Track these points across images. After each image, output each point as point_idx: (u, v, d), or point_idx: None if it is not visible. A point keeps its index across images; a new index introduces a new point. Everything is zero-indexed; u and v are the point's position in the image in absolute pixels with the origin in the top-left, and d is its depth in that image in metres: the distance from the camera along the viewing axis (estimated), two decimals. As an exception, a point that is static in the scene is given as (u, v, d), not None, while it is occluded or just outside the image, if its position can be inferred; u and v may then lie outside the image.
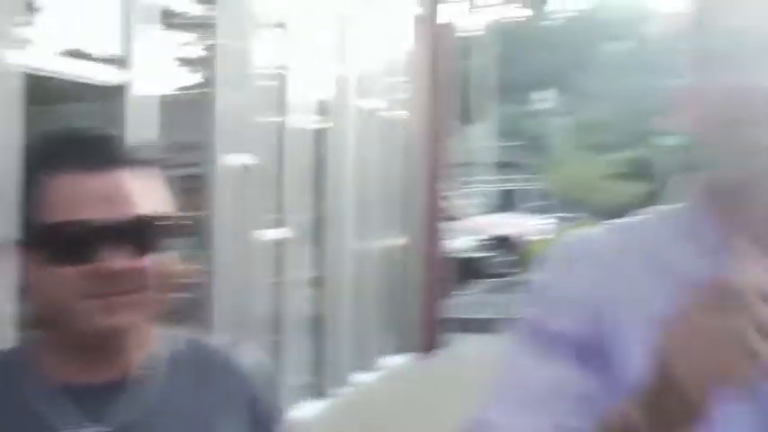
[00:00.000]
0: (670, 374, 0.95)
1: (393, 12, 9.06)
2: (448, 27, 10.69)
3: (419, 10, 9.69)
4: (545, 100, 31.31)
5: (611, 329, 1.15)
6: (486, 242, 20.65)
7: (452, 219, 21.40)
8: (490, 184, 39.09)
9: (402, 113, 9.50)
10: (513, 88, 32.40)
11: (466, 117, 33.80)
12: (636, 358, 1.08)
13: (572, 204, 30.97)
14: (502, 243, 21.21)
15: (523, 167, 36.75)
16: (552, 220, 24.55)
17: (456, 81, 12.93)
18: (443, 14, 10.41)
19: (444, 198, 11.01)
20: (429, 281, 9.99)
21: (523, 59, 32.42)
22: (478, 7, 34.18)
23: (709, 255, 1.13)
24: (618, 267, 1.19)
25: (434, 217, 10.20)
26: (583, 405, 1.11)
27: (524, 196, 43.11)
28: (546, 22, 35.68)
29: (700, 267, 1.10)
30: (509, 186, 44.09)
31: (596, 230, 1.28)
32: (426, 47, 9.78)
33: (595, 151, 30.99)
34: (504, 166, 39.76)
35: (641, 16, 37.04)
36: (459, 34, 34.56)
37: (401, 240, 9.60)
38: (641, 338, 1.09)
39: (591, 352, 1.14)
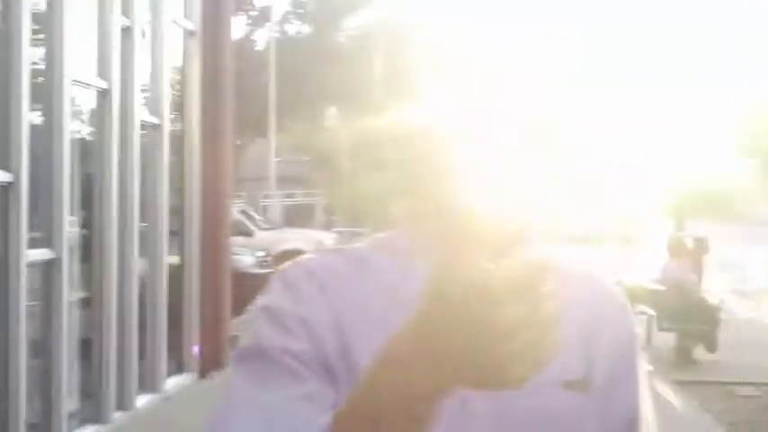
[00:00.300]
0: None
1: (169, 25, 8.88)
2: (230, 42, 10.60)
3: (195, 25, 9.57)
4: (333, 115, 31.61)
5: (347, 350, 1.16)
6: (274, 257, 20.58)
7: (240, 234, 21.33)
8: (279, 198, 39.12)
9: (181, 128, 9.35)
10: (303, 103, 32.56)
11: (254, 132, 33.73)
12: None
13: (358, 219, 31.51)
14: (290, 258, 21.20)
15: (311, 182, 37.01)
16: (337, 235, 24.86)
17: (241, 96, 12.84)
18: (227, 29, 10.32)
19: (230, 214, 10.89)
20: (213, 299, 9.84)
21: (312, 74, 32.62)
22: (264, 23, 34.28)
23: (425, 274, 1.13)
24: (348, 289, 1.22)
25: (219, 233, 10.07)
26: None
27: (312, 211, 43.53)
28: (337, 38, 36.07)
29: (409, 283, 1.14)
30: (297, 201, 44.40)
31: (327, 254, 1.32)
32: (207, 62, 9.68)
33: (380, 167, 31.58)
34: (292, 180, 39.96)
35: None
36: (248, 49, 34.48)
37: (184, 257, 9.41)
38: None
39: (330, 370, 1.15)
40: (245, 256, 17.92)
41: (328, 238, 23.22)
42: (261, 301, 1.23)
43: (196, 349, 9.43)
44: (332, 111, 30.24)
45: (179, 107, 9.54)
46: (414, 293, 1.14)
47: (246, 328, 1.22)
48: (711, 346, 10.99)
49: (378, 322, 1.16)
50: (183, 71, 9.58)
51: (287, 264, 1.29)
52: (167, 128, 8.82)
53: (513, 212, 1.17)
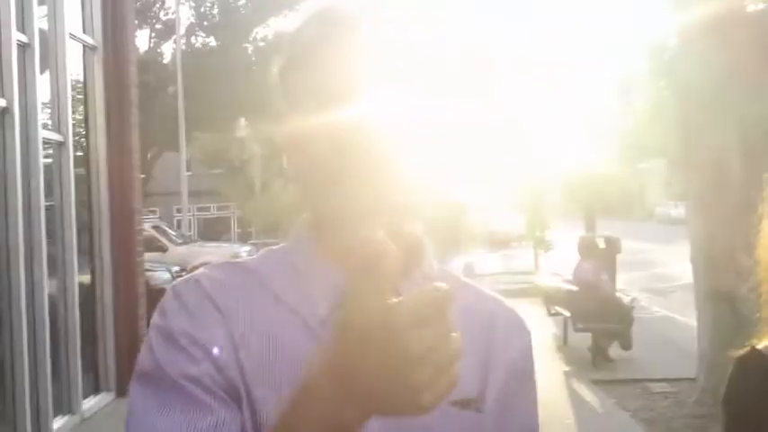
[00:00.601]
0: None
1: (69, 41, 8.68)
2: (134, 56, 10.43)
3: (96, 39, 9.41)
4: (243, 127, 31.50)
5: (245, 369, 1.14)
6: (189, 272, 20.32)
7: (154, 250, 21.07)
8: (192, 212, 38.73)
9: (86, 145, 9.18)
10: (212, 116, 32.32)
11: (164, 145, 33.35)
12: (272, 393, 1.11)
13: (273, 230, 31.41)
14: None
15: (224, 195, 36.79)
16: (253, 247, 24.74)
17: (150, 110, 12.66)
18: (130, 43, 10.17)
19: (141, 230, 10.72)
20: (128, 316, 9.67)
21: (221, 86, 32.43)
22: (170, 36, 33.92)
23: (322, 291, 1.19)
24: (245, 308, 1.19)
25: (131, 250, 9.90)
26: None
27: (227, 224, 43.25)
28: (245, 50, 35.87)
29: (316, 305, 1.18)
30: (211, 214, 44.08)
31: (220, 268, 1.27)
32: (111, 76, 9.52)
33: (288, 177, 31.43)
34: (205, 194, 39.63)
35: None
36: (155, 63, 33.93)
37: (95, 276, 9.24)
38: (276, 375, 1.12)
39: (234, 391, 1.13)
40: (160, 272, 17.71)
41: (244, 251, 23.11)
42: (156, 319, 1.19)
43: None
44: (241, 122, 30.12)
45: (84, 123, 9.36)
46: (306, 307, 1.18)
47: (144, 347, 1.18)
48: (626, 345, 11.18)
49: (268, 338, 1.17)
50: (85, 86, 9.40)
51: (180, 279, 1.25)
52: (72, 145, 8.63)
53: (412, 224, 1.20)
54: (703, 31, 5.77)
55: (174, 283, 1.24)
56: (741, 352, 1.47)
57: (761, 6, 6.11)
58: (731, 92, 5.63)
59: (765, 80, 5.63)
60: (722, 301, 7.20)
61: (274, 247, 1.31)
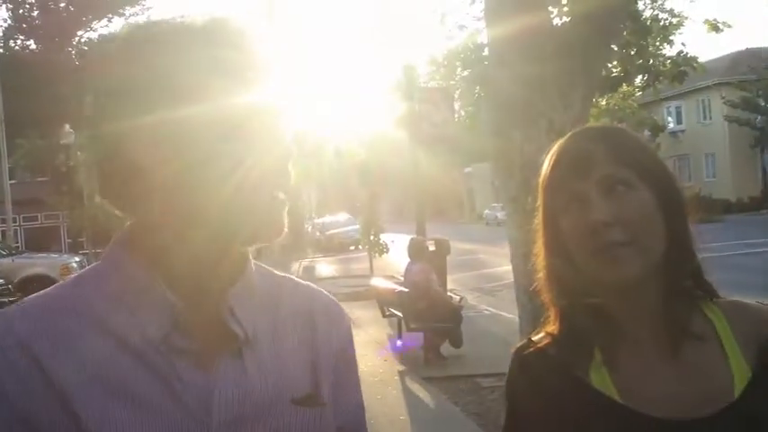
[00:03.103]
0: None
1: None
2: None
3: None
4: (69, 134, 30.37)
5: (62, 398, 1.12)
6: (16, 285, 19.56)
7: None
8: (19, 222, 37.12)
9: None
10: (36, 121, 31.08)
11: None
12: (93, 419, 1.11)
13: (104, 240, 30.47)
14: (34, 284, 20.28)
15: (52, 204, 35.44)
16: (84, 258, 24.04)
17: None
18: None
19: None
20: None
21: (44, 91, 31.19)
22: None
23: (150, 312, 1.17)
24: (65, 333, 1.16)
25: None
26: None
27: (56, 234, 41.65)
28: (68, 54, 34.64)
29: (136, 326, 1.16)
30: (39, 224, 42.36)
31: (37, 299, 1.22)
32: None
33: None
34: (31, 203, 38.05)
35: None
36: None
37: None
38: (95, 401, 1.12)
39: (42, 423, 1.12)
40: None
41: (74, 262, 22.39)
42: None
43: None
44: (66, 128, 29.09)
45: None
46: (135, 333, 1.16)
47: None
48: (456, 343, 11.44)
49: (92, 362, 1.14)
50: None
51: None
52: None
53: (242, 230, 1.19)
54: (512, 42, 6.05)
55: None
56: (519, 344, 1.51)
57: (566, 20, 6.46)
58: (541, 100, 5.93)
59: (572, 89, 5.97)
60: (538, 296, 7.45)
61: (96, 265, 1.27)
